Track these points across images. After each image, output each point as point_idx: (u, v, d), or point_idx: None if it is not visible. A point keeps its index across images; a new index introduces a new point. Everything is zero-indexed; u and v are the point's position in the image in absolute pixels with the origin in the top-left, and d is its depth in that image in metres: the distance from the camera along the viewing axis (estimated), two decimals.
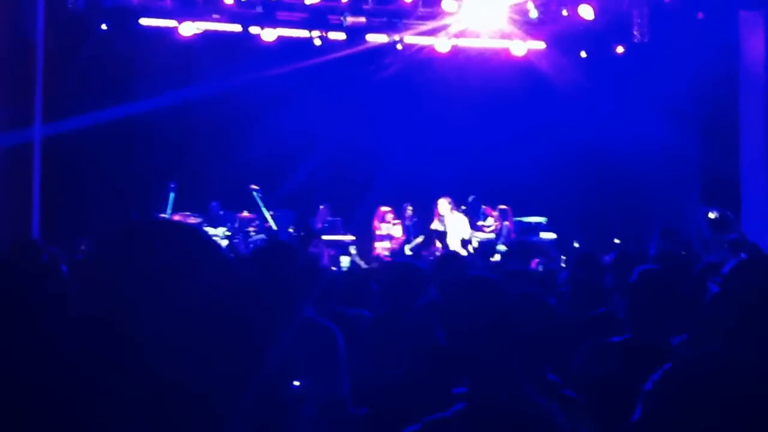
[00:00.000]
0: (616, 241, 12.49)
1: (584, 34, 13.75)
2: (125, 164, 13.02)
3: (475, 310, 2.57)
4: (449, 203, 12.28)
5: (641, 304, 3.54)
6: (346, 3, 12.33)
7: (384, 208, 12.99)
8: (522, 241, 12.08)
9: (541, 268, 10.06)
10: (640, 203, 13.64)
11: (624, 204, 14.09)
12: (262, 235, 12.13)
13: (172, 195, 11.72)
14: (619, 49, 13.99)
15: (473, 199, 13.18)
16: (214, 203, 12.62)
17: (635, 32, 13.85)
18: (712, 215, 11.82)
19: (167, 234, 1.27)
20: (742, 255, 6.72)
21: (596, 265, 5.92)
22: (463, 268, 5.16)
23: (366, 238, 12.95)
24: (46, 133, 11.19)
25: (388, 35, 13.34)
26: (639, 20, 13.87)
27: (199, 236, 1.28)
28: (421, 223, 13.18)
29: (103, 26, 12.28)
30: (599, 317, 4.69)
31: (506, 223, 13.05)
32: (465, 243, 12.06)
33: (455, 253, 5.74)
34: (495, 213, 13.21)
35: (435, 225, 12.33)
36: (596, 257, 6.26)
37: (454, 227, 12.30)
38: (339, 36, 13.28)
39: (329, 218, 12.95)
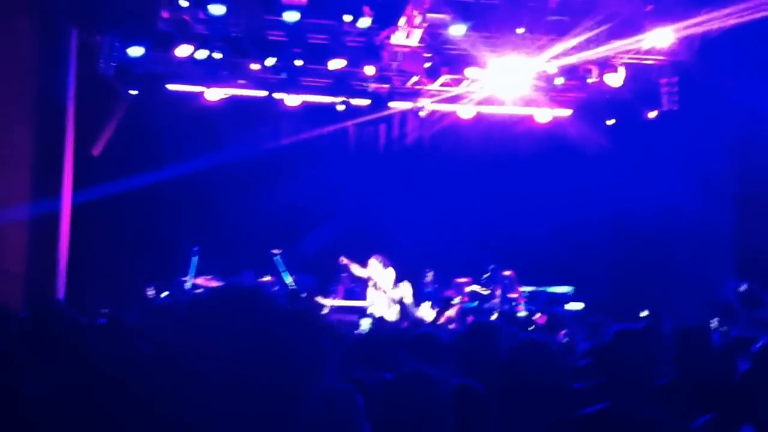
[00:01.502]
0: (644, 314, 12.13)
1: (611, 101, 13.66)
2: (150, 227, 13.08)
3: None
4: (380, 261, 11.72)
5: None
6: (369, 69, 12.40)
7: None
8: (552, 313, 11.78)
9: (566, 340, 9.76)
10: (671, 275, 13.25)
11: (654, 275, 13.68)
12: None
13: (195, 259, 11.67)
14: (649, 116, 13.86)
15: (493, 268, 12.89)
16: (248, 272, 12.49)
17: (664, 100, 13.74)
18: (741, 289, 11.48)
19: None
20: None
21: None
22: (497, 339, 4.93)
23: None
24: (74, 200, 11.26)
25: (412, 101, 13.38)
26: (668, 88, 13.77)
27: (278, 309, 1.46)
28: (442, 289, 12.94)
29: (132, 91, 12.48)
30: None
31: (506, 293, 12.69)
32: (396, 303, 11.55)
33: (486, 323, 5.51)
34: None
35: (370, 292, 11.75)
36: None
37: (383, 285, 11.69)
38: (362, 102, 13.36)
39: (351, 284, 12.78)
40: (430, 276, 13.00)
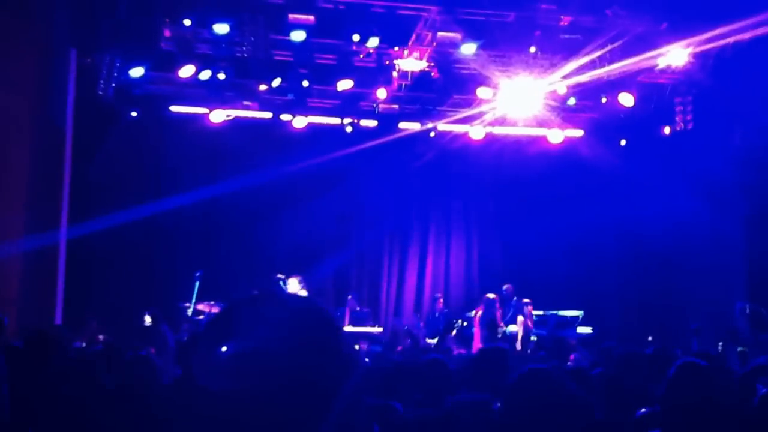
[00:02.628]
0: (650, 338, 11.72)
1: (624, 121, 13.36)
2: (152, 252, 12.72)
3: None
4: (299, 282, 11.14)
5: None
6: (381, 92, 12.07)
7: None
8: (559, 337, 11.40)
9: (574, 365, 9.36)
10: (682, 296, 12.89)
11: (665, 297, 13.32)
12: None
13: (197, 284, 11.25)
14: (662, 135, 13.56)
15: (506, 290, 12.51)
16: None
17: (678, 119, 13.45)
18: (747, 311, 11.14)
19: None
20: None
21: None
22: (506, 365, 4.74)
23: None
24: (73, 224, 10.91)
25: (422, 123, 13.04)
26: (682, 107, 13.48)
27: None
28: (452, 314, 12.54)
29: (133, 113, 12.15)
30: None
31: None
32: None
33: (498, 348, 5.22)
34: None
35: None
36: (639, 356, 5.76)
37: None
38: (371, 123, 13.01)
39: (357, 309, 12.37)
40: (441, 302, 12.61)
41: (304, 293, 10.83)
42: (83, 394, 4.55)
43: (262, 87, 11.79)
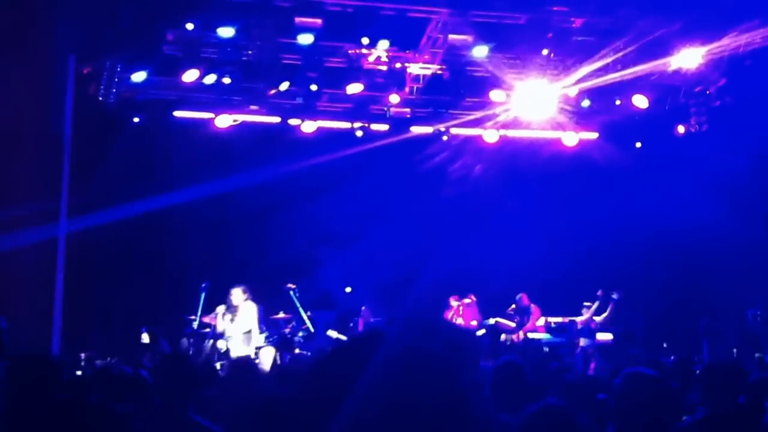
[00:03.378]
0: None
1: (639, 123, 13.11)
2: (157, 261, 12.43)
3: None
4: (243, 292, 10.61)
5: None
6: (393, 97, 11.80)
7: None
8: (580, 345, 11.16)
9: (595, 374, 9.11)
10: (703, 299, 12.65)
11: (687, 301, 13.06)
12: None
13: (203, 296, 10.95)
14: (677, 136, 13.32)
15: (521, 297, 12.27)
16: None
17: (692, 121, 13.21)
18: (759, 317, 10.96)
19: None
20: None
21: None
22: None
23: None
24: (71, 228, 10.64)
25: (434, 126, 12.75)
26: (695, 109, 13.24)
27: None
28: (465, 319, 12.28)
29: (136, 119, 11.85)
30: None
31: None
32: (249, 338, 10.62)
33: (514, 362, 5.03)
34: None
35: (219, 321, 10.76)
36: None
37: (243, 318, 10.55)
38: (382, 127, 12.72)
39: (372, 319, 12.07)
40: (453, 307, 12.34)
41: (251, 304, 10.51)
42: (75, 417, 4.34)
43: (270, 91, 11.49)
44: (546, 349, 11.79)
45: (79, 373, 6.12)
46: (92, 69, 10.57)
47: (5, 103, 9.32)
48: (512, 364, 4.91)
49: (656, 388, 3.57)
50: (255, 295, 11.68)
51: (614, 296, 11.62)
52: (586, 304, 11.92)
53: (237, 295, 10.38)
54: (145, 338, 9.80)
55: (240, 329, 10.31)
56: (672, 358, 7.54)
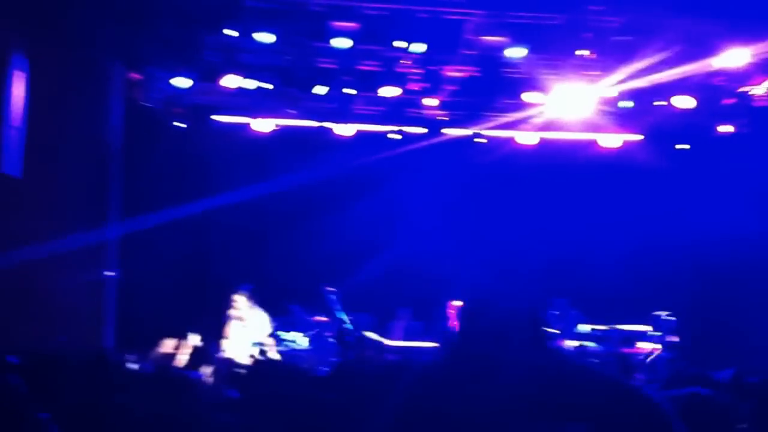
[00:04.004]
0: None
1: (682, 124, 12.85)
2: (198, 264, 12.72)
3: None
4: (246, 297, 10.71)
5: None
6: (430, 101, 11.84)
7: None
8: (623, 354, 10.94)
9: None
10: (755, 310, 12.29)
11: (737, 311, 12.71)
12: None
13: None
14: (721, 138, 13.02)
15: (562, 303, 12.08)
16: (295, 306, 11.94)
17: (737, 123, 12.90)
18: None
19: None
20: None
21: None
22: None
23: None
24: (122, 237, 10.99)
25: (469, 128, 12.75)
26: (738, 110, 12.92)
27: None
28: None
29: (178, 124, 12.18)
30: None
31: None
32: (259, 346, 10.43)
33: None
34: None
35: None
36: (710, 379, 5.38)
37: (251, 326, 10.63)
38: (417, 130, 12.79)
39: (411, 322, 12.10)
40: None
41: (257, 310, 10.57)
42: (129, 417, 4.45)
43: (307, 95, 11.65)
44: (595, 361, 11.49)
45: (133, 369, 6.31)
46: (137, 75, 10.90)
47: (55, 109, 9.69)
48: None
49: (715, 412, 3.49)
50: (293, 298, 11.85)
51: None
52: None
53: (241, 301, 10.46)
54: (197, 340, 9.97)
55: (251, 338, 10.44)
56: (724, 372, 7.22)
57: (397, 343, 11.52)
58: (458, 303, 9.63)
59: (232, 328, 10.43)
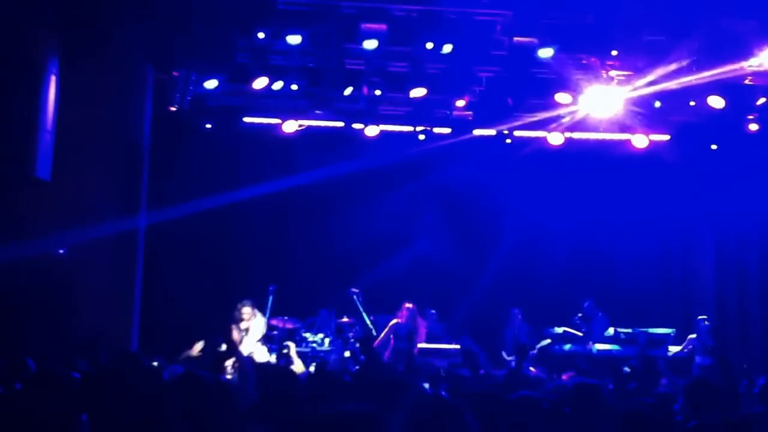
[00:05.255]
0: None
1: (714, 124, 12.70)
2: (225, 263, 12.76)
3: None
4: (252, 307, 10.68)
5: None
6: (459, 101, 11.78)
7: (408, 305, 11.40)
8: (650, 357, 10.81)
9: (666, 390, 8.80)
10: None
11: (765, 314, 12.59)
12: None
13: (270, 298, 11.19)
14: (753, 138, 12.85)
15: (588, 305, 11.99)
16: (324, 311, 11.95)
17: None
18: None
19: None
20: None
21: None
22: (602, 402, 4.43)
23: None
24: (149, 230, 11.03)
25: (497, 129, 12.68)
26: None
27: None
28: (530, 329, 12.13)
29: (208, 125, 12.20)
30: None
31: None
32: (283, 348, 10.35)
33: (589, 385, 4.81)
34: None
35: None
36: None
37: (254, 333, 10.62)
38: (445, 130, 12.74)
39: (436, 324, 12.08)
40: (518, 315, 12.21)
41: (260, 318, 10.58)
42: (158, 420, 4.44)
43: (335, 96, 11.63)
44: (627, 369, 11.33)
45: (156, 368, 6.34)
46: (168, 78, 10.92)
47: (84, 112, 9.71)
48: (594, 388, 4.68)
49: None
50: (318, 299, 11.84)
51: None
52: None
53: (247, 311, 10.43)
54: (218, 344, 9.96)
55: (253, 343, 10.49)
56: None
57: (421, 345, 11.48)
58: (410, 305, 9.45)
59: (241, 336, 10.45)
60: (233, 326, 10.30)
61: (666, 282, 12.75)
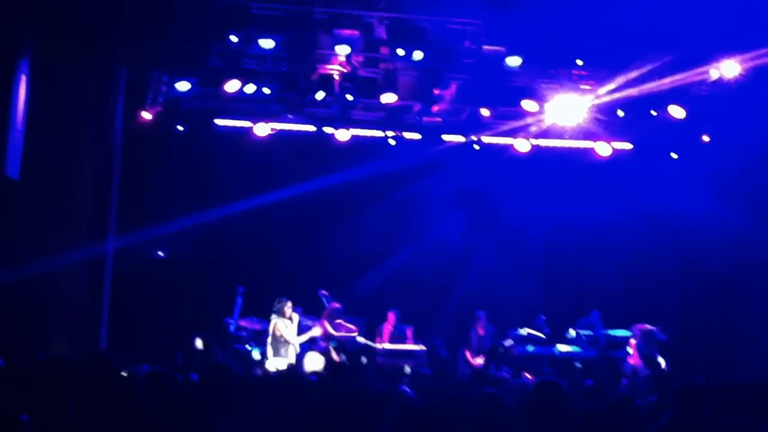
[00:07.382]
0: None
1: (674, 134, 13.07)
2: (198, 265, 12.78)
3: None
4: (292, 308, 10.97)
5: None
6: (422, 103, 12.02)
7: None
8: (612, 358, 11.07)
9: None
10: (743, 318, 12.51)
11: (725, 319, 12.94)
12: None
13: (239, 300, 11.27)
14: (708, 148, 13.23)
15: (595, 315, 12.08)
16: (297, 309, 12.04)
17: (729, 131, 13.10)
18: None
19: None
20: None
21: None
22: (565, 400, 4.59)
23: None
24: (120, 236, 11.02)
25: (466, 135, 12.93)
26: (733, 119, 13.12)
27: None
28: (495, 333, 12.34)
29: (180, 128, 12.25)
30: None
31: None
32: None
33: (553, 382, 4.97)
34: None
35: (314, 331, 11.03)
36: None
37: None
38: (415, 136, 12.96)
39: (399, 325, 12.23)
40: (483, 316, 12.40)
41: (295, 316, 10.78)
42: (131, 421, 4.51)
43: (306, 101, 11.77)
44: (578, 365, 11.56)
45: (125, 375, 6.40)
46: (140, 81, 10.96)
47: (57, 113, 9.72)
48: (556, 386, 4.77)
49: None
50: (293, 301, 11.93)
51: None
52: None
53: (289, 308, 10.76)
54: (199, 344, 10.07)
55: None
56: None
57: (386, 345, 11.67)
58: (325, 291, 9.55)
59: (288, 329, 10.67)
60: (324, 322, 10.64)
61: (630, 285, 13.06)
